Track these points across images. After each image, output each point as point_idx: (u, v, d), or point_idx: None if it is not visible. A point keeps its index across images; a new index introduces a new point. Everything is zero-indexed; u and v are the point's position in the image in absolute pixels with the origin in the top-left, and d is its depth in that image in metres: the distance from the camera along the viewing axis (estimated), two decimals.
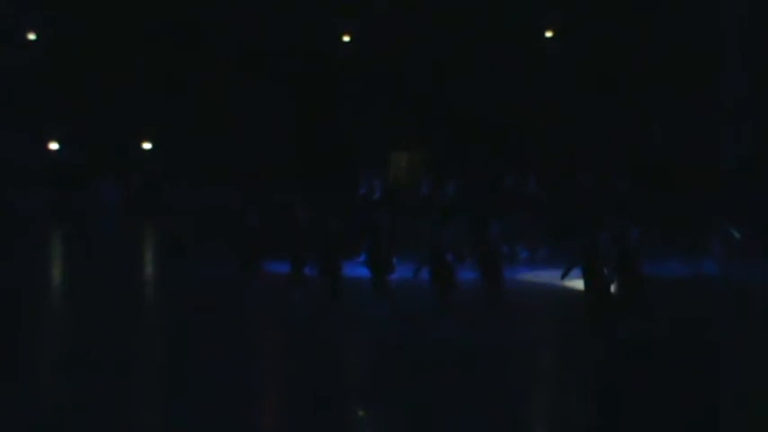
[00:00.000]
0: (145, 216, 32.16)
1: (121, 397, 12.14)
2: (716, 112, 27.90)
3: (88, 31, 33.14)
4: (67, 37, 33.57)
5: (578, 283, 15.26)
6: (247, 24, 32.21)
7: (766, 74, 26.95)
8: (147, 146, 34.63)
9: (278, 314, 17.47)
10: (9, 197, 32.16)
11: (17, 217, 30.82)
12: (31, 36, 34.30)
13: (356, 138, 31.38)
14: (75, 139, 33.84)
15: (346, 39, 32.82)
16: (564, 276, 15.29)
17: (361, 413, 12.02)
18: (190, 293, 19.60)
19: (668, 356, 13.70)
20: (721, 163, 27.46)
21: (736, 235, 19.99)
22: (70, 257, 26.65)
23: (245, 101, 32.27)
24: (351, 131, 31.63)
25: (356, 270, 18.20)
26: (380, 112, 31.45)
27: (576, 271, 14.95)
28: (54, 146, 34.38)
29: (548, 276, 18.30)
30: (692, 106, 28.13)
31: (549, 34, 31.27)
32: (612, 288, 14.82)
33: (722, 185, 25.44)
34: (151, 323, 17.66)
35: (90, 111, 33.17)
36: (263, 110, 32.33)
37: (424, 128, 31.02)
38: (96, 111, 33.08)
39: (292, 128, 32.12)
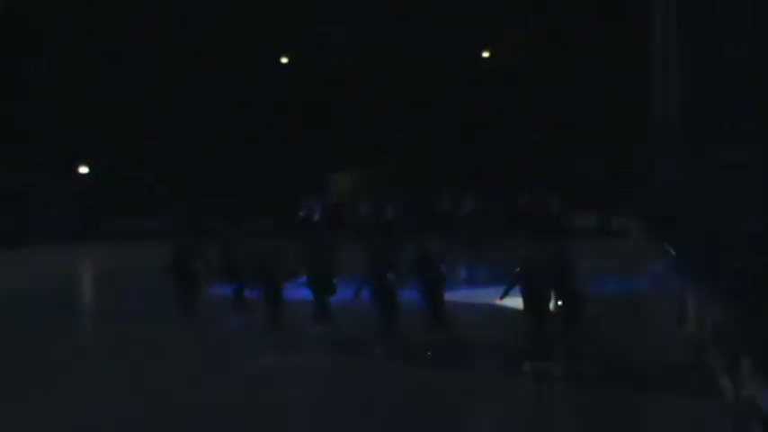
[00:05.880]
0: (83, 242, 31.85)
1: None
2: (651, 132, 28.34)
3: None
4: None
5: (518, 302, 15.43)
6: (186, 47, 32.14)
7: (699, 94, 27.42)
8: (83, 170, 34.33)
9: (215, 338, 17.46)
10: None
11: None
12: None
13: (297, 159, 31.43)
14: (13, 167, 33.49)
15: (284, 60, 32.88)
16: (503, 296, 15.46)
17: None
18: (125, 320, 19.58)
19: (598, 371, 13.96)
20: (656, 181, 27.90)
21: (672, 252, 20.33)
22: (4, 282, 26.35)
23: (183, 127, 32.18)
24: (291, 154, 31.67)
25: (298, 292, 18.22)
26: (321, 134, 31.54)
27: (516, 290, 15.11)
28: None
29: (488, 295, 18.45)
30: (628, 128, 28.55)
31: (485, 54, 31.59)
32: (551, 306, 15.01)
33: (657, 203, 25.84)
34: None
35: (26, 138, 32.90)
36: (205, 135, 32.24)
37: (366, 149, 31.17)
38: (33, 138, 32.81)
39: (233, 152, 32.06)
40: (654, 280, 20.39)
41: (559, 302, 14.88)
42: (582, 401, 12.76)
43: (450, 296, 17.47)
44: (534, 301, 14.69)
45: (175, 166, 31.93)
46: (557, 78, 29.59)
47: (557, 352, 14.36)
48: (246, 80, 32.13)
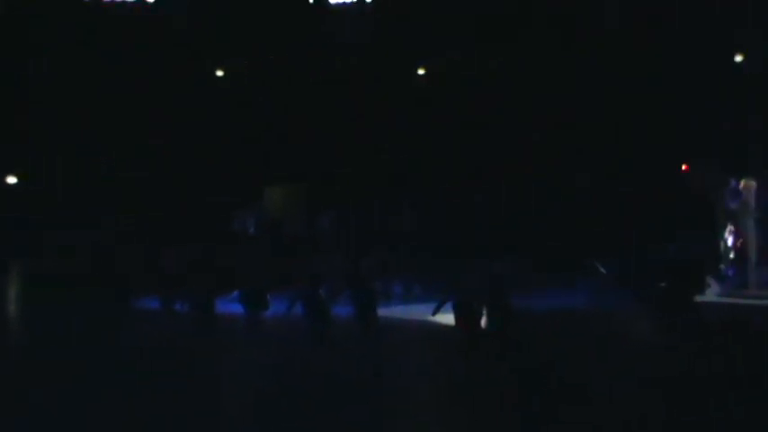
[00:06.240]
0: (10, 256, 31.14)
1: None
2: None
3: None
4: None
5: (450, 318, 15.48)
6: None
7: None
8: (11, 180, 33.75)
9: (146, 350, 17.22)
10: None
11: None
12: None
13: (230, 173, 31.18)
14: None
15: (220, 73, 32.65)
16: (435, 312, 15.53)
17: None
18: (61, 330, 19.25)
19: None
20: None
21: (602, 270, 20.60)
22: None
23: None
24: (224, 167, 31.42)
25: (229, 306, 18.11)
26: (254, 147, 31.34)
27: (447, 306, 15.19)
28: None
29: (420, 311, 18.47)
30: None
31: (421, 72, 31.64)
32: (482, 322, 15.09)
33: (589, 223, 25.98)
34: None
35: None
36: (140, 144, 31.89)
37: (299, 162, 30.99)
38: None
39: (166, 163, 31.73)
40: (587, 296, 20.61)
41: (490, 318, 14.96)
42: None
43: (383, 312, 17.50)
44: (466, 316, 14.78)
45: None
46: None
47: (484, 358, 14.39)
48: (182, 89, 31.86)
